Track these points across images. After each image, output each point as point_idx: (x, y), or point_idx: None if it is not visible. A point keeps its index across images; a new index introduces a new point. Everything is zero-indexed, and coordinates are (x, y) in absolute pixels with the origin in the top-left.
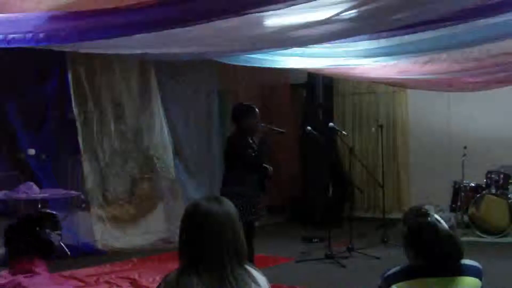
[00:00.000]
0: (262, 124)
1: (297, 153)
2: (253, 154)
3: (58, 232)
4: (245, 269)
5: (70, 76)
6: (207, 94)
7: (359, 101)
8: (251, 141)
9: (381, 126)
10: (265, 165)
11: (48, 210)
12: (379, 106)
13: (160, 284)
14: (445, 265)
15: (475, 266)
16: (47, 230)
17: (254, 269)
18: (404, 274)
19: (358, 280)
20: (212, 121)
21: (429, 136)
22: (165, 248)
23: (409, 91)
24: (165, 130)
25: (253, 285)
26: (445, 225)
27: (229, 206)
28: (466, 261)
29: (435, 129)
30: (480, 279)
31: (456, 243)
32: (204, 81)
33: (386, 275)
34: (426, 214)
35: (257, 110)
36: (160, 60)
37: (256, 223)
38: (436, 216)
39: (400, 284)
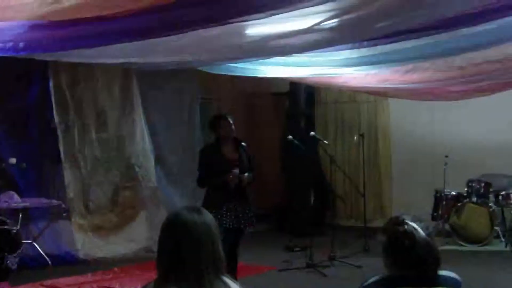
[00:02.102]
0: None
1: (280, 162)
2: (215, 169)
3: (18, 252)
4: (223, 281)
5: (51, 83)
6: (190, 103)
7: (341, 110)
8: (226, 151)
9: (362, 135)
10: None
11: (2, 218)
12: (361, 114)
13: None
14: (423, 274)
15: (453, 278)
16: (5, 254)
17: (232, 280)
18: (383, 284)
19: None
20: (194, 130)
21: (411, 144)
22: (147, 257)
23: (391, 100)
24: (147, 138)
25: None
26: (422, 233)
27: (208, 217)
28: (444, 272)
29: (417, 138)
30: None
31: (433, 250)
32: (186, 90)
33: (364, 285)
34: (403, 223)
35: (229, 118)
36: (146, 69)
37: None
38: (413, 225)
39: None
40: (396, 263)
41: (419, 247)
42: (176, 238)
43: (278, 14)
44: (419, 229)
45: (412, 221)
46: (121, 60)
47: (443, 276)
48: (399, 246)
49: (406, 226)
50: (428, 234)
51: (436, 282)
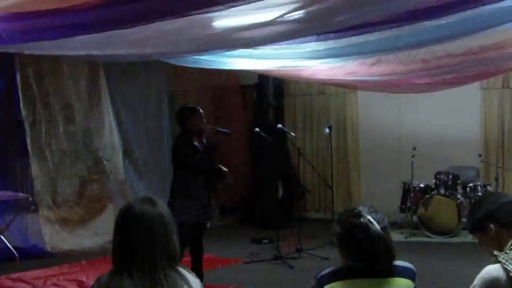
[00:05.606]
0: (209, 126)
1: (248, 154)
2: (198, 157)
3: None
4: (177, 271)
5: (18, 77)
6: (157, 95)
7: (310, 102)
8: (196, 143)
9: (330, 127)
10: (220, 166)
11: None
12: (329, 107)
13: (93, 285)
14: (377, 266)
15: (408, 268)
16: None
17: (187, 271)
18: (337, 275)
19: (306, 281)
20: (162, 122)
21: (379, 137)
22: None
23: (359, 92)
24: (115, 131)
25: (185, 286)
26: (377, 226)
27: (162, 207)
28: (399, 263)
29: (385, 130)
30: (413, 281)
31: (387, 244)
32: (154, 82)
33: (319, 276)
34: (359, 215)
35: (201, 111)
36: (108, 61)
37: (208, 224)
38: (369, 217)
39: (332, 284)
40: (350, 255)
41: (373, 240)
42: (129, 230)
43: (237, 6)
44: (374, 222)
45: (368, 212)
46: (82, 53)
47: (398, 266)
48: (354, 239)
49: (361, 219)
50: (383, 227)
51: (390, 273)
